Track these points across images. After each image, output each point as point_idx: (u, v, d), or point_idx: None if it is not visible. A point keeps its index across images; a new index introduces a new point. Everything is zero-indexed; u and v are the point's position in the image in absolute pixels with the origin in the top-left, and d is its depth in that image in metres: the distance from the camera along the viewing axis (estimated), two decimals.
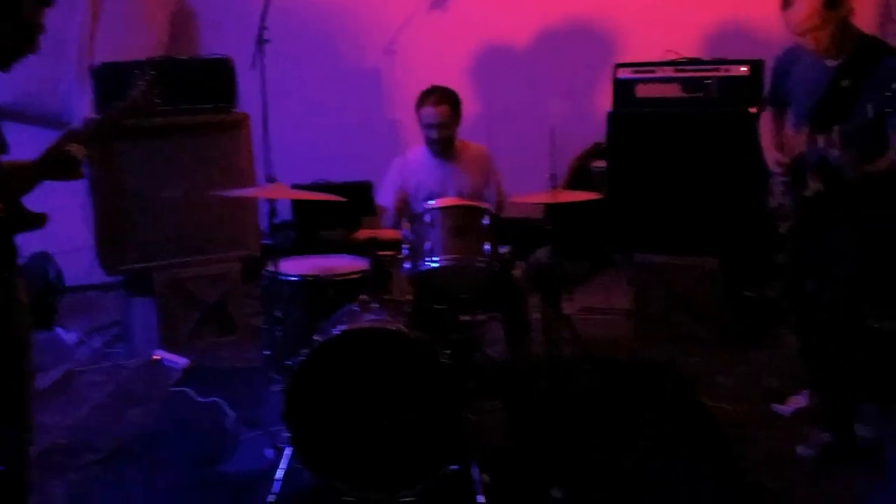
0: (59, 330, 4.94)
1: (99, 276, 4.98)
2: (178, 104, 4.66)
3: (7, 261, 2.62)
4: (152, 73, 2.86)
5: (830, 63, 3.08)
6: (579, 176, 5.65)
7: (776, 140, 3.37)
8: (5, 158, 2.57)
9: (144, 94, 2.81)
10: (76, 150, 2.60)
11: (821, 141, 2.99)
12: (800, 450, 3.34)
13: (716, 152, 4.48)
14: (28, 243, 5.38)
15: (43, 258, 5.16)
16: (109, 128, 2.80)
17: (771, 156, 3.35)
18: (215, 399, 3.89)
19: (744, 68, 4.48)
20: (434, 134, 4.05)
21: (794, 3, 3.01)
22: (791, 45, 3.25)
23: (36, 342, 4.49)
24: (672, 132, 4.58)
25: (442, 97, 4.03)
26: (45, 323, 5.03)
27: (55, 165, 2.59)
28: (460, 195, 3.98)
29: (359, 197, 5.59)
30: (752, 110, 4.33)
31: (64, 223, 4.70)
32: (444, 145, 4.09)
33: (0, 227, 2.50)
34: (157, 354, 4.55)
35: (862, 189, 3.04)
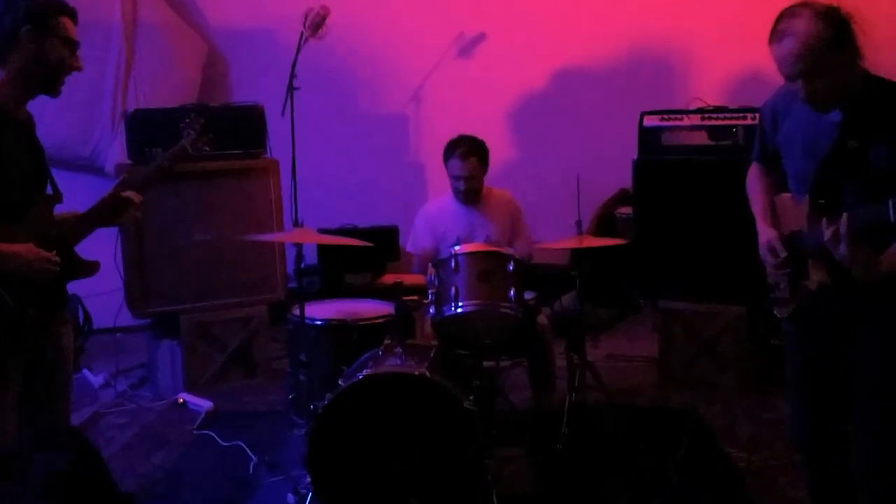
0: (86, 372, 4.97)
1: (126, 319, 5.02)
2: (209, 149, 4.73)
3: (58, 307, 2.69)
4: (202, 121, 2.97)
5: (830, 116, 2.40)
6: (605, 223, 5.66)
7: (766, 207, 2.71)
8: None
9: (194, 141, 2.94)
10: (132, 195, 2.72)
11: (826, 231, 2.28)
12: None
13: (742, 200, 4.45)
14: None
15: (72, 301, 5.22)
16: (161, 174, 2.88)
17: (763, 234, 2.65)
18: (238, 443, 3.91)
19: None
20: (462, 185, 4.08)
21: (784, 36, 2.31)
22: (779, 92, 2.63)
23: None
24: (698, 179, 4.57)
25: (469, 149, 4.05)
26: (73, 364, 5.08)
27: (112, 212, 2.70)
28: (488, 241, 3.99)
29: (384, 242, 5.64)
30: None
31: None
32: (471, 195, 4.12)
33: (55, 276, 2.55)
34: (182, 397, 4.56)
35: (880, 287, 2.34)
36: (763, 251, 2.66)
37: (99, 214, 2.69)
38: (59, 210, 2.69)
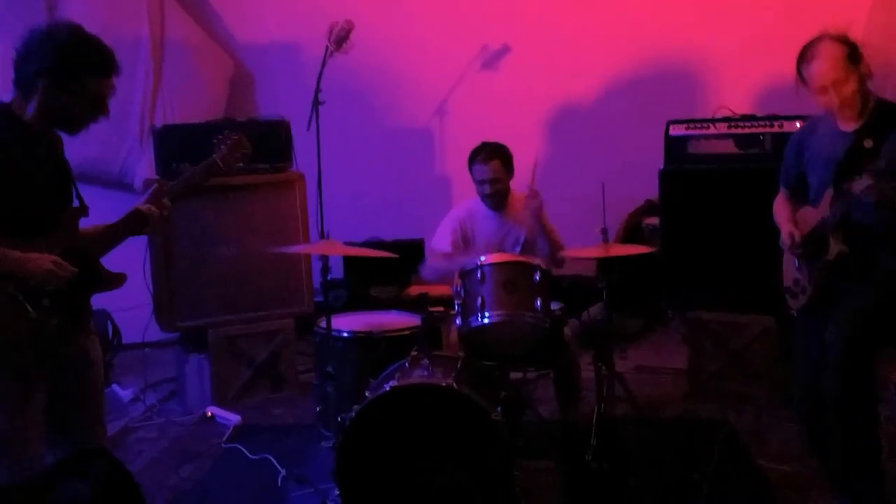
0: (115, 386, 5.01)
1: (156, 334, 5.06)
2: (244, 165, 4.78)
3: (83, 319, 2.70)
4: (235, 136, 2.96)
5: (848, 128, 3.01)
6: (632, 233, 5.63)
7: (789, 217, 3.27)
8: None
9: (225, 157, 2.92)
10: (151, 209, 2.74)
11: (857, 184, 2.83)
12: None
13: (770, 208, 4.42)
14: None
15: (101, 316, 5.27)
16: (189, 187, 2.89)
17: (785, 229, 3.22)
18: (266, 455, 3.92)
19: (798, 124, 4.40)
20: (487, 189, 4.10)
21: (815, 58, 2.97)
22: (804, 124, 3.25)
23: None
24: (726, 188, 4.53)
25: (492, 153, 4.08)
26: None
27: (136, 224, 2.72)
28: (517, 243, 3.98)
29: (410, 254, 5.64)
30: None
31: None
32: (497, 199, 4.13)
33: (78, 288, 2.57)
34: (210, 411, 4.58)
35: (885, 239, 2.94)
36: (783, 238, 3.20)
37: (124, 227, 2.71)
38: (88, 224, 2.72)
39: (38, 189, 2.56)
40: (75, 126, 2.62)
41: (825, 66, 2.94)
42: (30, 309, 2.44)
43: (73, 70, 2.52)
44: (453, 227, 4.22)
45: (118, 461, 1.45)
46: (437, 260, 4.21)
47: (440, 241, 4.26)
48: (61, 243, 2.56)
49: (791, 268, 3.23)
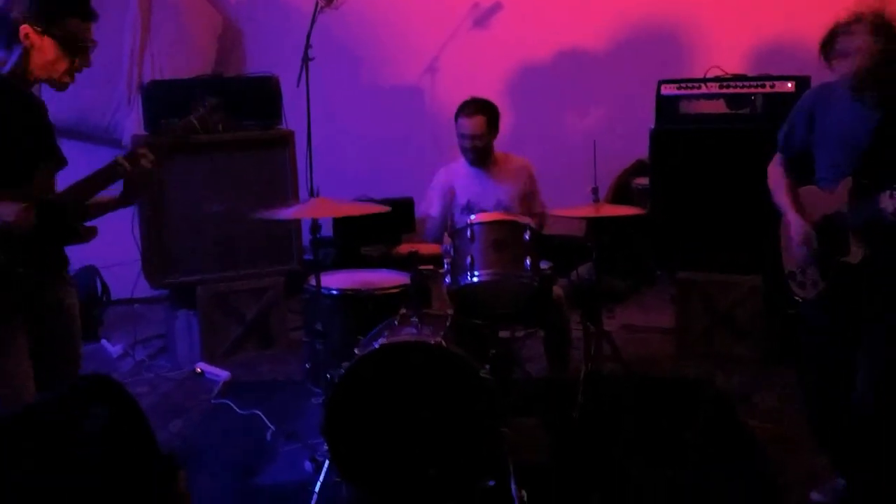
0: (104, 342, 5.03)
1: (145, 290, 5.06)
2: (225, 121, 4.74)
3: (57, 269, 2.73)
4: (213, 100, 2.96)
5: (869, 111, 2.71)
6: (621, 193, 5.63)
7: (793, 201, 2.95)
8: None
9: (202, 118, 2.91)
10: (124, 162, 2.69)
11: (886, 200, 2.52)
12: (813, 495, 3.12)
13: (760, 169, 4.42)
14: (76, 257, 5.51)
15: (90, 272, 5.27)
16: (166, 146, 2.90)
17: (795, 220, 2.91)
18: (255, 411, 3.94)
19: (789, 84, 4.43)
20: (468, 143, 4.11)
21: (852, 31, 2.65)
22: (817, 86, 2.95)
23: (83, 353, 4.57)
24: (716, 149, 4.53)
25: (478, 108, 4.08)
26: (90, 334, 5.13)
27: (106, 180, 2.70)
28: (499, 205, 4.00)
29: (399, 213, 5.63)
30: None
31: (111, 238, 4.80)
32: (478, 155, 4.13)
33: (49, 239, 2.60)
34: (200, 367, 4.60)
35: None
36: (797, 241, 2.90)
37: (93, 181, 2.69)
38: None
39: (16, 143, 2.57)
40: (56, 76, 2.61)
41: (859, 39, 2.62)
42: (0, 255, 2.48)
43: (54, 11, 2.53)
44: (439, 186, 4.23)
45: (128, 392, 1.48)
46: (434, 226, 4.22)
47: (429, 207, 4.27)
48: (35, 194, 2.58)
49: (797, 254, 2.95)
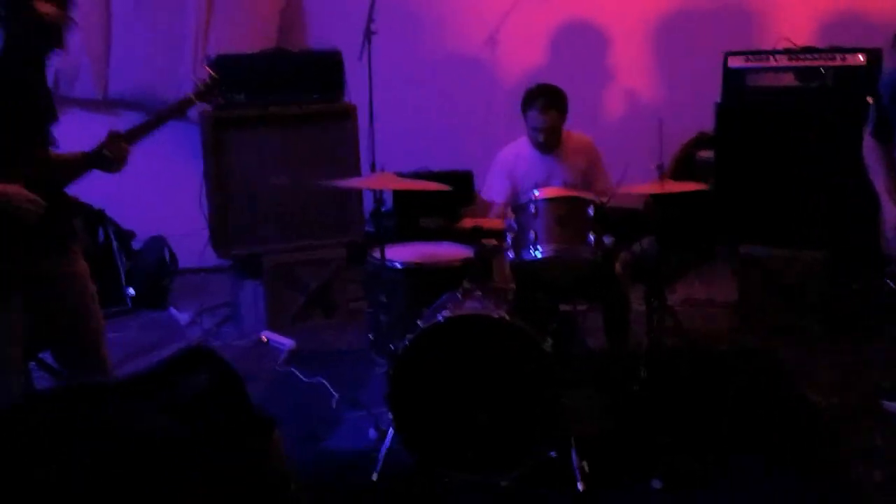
0: (172, 310, 5.17)
1: (211, 260, 5.19)
2: (289, 95, 4.83)
3: (65, 240, 2.85)
4: (212, 76, 3.12)
5: None
6: (683, 166, 5.56)
7: (890, 186, 2.94)
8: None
9: (200, 93, 3.06)
10: (116, 151, 2.82)
11: None
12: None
13: (829, 143, 4.35)
14: (145, 227, 5.69)
15: (158, 241, 5.41)
16: (152, 127, 2.97)
17: (887, 210, 2.91)
18: (320, 379, 4.03)
19: (861, 57, 4.33)
20: (541, 137, 3.97)
21: None
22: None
23: (150, 320, 4.75)
24: (784, 122, 4.46)
25: (550, 101, 3.93)
26: (159, 303, 5.29)
27: (100, 160, 2.82)
28: (565, 185, 3.94)
29: (459, 186, 5.66)
30: (869, 100, 4.19)
31: (179, 209, 4.98)
32: (550, 145, 4.03)
33: (50, 214, 2.70)
34: (265, 335, 4.70)
35: None
36: (888, 229, 2.88)
37: (87, 160, 2.82)
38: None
39: (5, 122, 2.65)
40: (31, 55, 2.71)
41: None
42: None
43: None
44: (500, 171, 4.16)
45: (227, 361, 1.61)
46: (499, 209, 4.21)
47: (491, 192, 4.22)
48: (28, 171, 2.67)
49: (891, 243, 2.98)
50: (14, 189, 2.61)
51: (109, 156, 2.82)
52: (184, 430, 1.48)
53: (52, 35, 2.70)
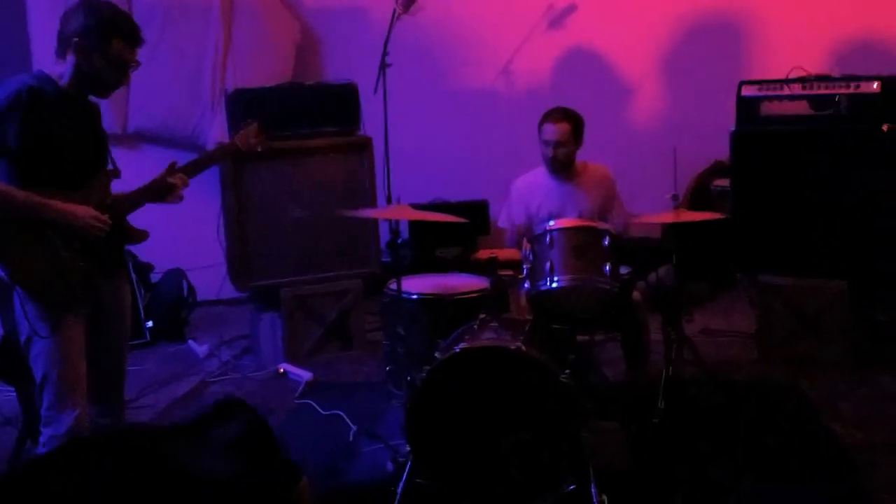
0: (191, 342, 5.19)
1: (229, 292, 5.22)
2: (305, 127, 4.88)
3: (115, 267, 3.06)
4: (254, 121, 3.34)
5: None
6: (699, 195, 5.57)
7: None
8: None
9: (244, 139, 3.31)
10: (177, 180, 3.05)
11: None
12: None
13: (845, 171, 4.34)
14: (164, 260, 5.73)
15: (177, 274, 5.45)
16: (206, 165, 3.24)
17: None
18: (338, 412, 4.03)
19: (875, 85, 4.32)
20: (551, 152, 4.02)
21: None
22: None
23: (169, 353, 4.81)
24: (799, 150, 4.45)
25: (563, 116, 4.01)
26: (177, 335, 5.32)
27: (159, 192, 3.05)
28: (580, 216, 3.95)
29: (474, 216, 5.69)
30: (884, 128, 4.18)
31: (197, 241, 5.01)
32: (561, 164, 4.06)
33: (109, 238, 2.89)
34: (283, 367, 4.71)
35: None
36: None
37: (147, 192, 3.03)
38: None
39: (73, 148, 2.86)
40: (102, 89, 2.92)
41: None
42: (62, 251, 2.77)
43: (102, 32, 2.81)
44: (515, 201, 4.19)
45: (256, 410, 1.70)
46: (514, 237, 4.22)
47: (506, 220, 4.25)
48: (93, 199, 2.87)
49: None
50: (81, 208, 2.80)
51: (174, 183, 3.02)
52: (227, 470, 1.53)
53: (122, 73, 2.91)
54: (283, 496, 1.63)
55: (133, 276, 5.15)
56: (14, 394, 3.69)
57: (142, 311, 5.20)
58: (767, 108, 4.58)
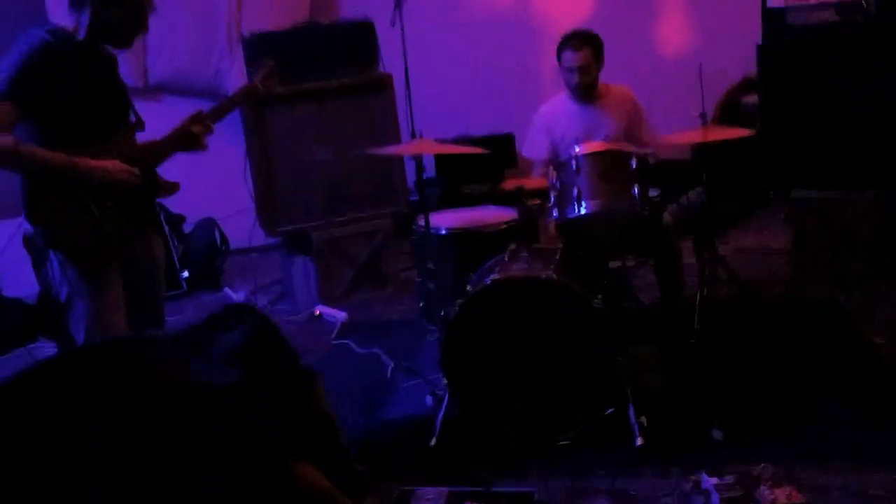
0: (227, 290, 5.26)
1: (260, 239, 5.25)
2: (324, 68, 4.83)
3: (147, 222, 3.05)
4: (271, 63, 3.31)
5: None
6: (729, 112, 5.47)
7: None
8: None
9: (263, 80, 3.28)
10: (199, 129, 3.03)
11: None
12: None
13: (876, 78, 4.22)
14: (195, 210, 5.75)
15: (209, 224, 5.49)
16: (229, 109, 3.21)
17: None
18: (375, 350, 4.08)
19: None
20: (575, 78, 3.95)
21: None
22: None
23: (206, 302, 4.88)
24: (828, 60, 4.33)
25: (583, 40, 3.92)
26: (213, 284, 5.38)
27: (181, 141, 3.03)
28: (606, 139, 3.88)
29: (500, 149, 5.64)
30: None
31: (226, 190, 5.03)
32: (585, 90, 3.99)
33: (140, 192, 2.89)
34: (318, 309, 4.76)
35: None
36: None
37: (173, 141, 3.02)
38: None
39: (95, 103, 2.83)
40: (120, 40, 2.86)
41: None
42: (94, 210, 2.76)
43: None
44: (539, 129, 4.12)
45: (266, 316, 1.71)
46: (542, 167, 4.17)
47: (531, 149, 4.17)
48: (120, 151, 2.85)
49: None
50: (112, 163, 2.78)
51: (198, 132, 3.00)
52: (231, 376, 1.56)
53: (140, 19, 2.86)
54: (295, 402, 1.66)
55: (166, 227, 5.20)
56: (56, 349, 3.78)
57: (177, 262, 5.25)
58: (794, 19, 4.45)
